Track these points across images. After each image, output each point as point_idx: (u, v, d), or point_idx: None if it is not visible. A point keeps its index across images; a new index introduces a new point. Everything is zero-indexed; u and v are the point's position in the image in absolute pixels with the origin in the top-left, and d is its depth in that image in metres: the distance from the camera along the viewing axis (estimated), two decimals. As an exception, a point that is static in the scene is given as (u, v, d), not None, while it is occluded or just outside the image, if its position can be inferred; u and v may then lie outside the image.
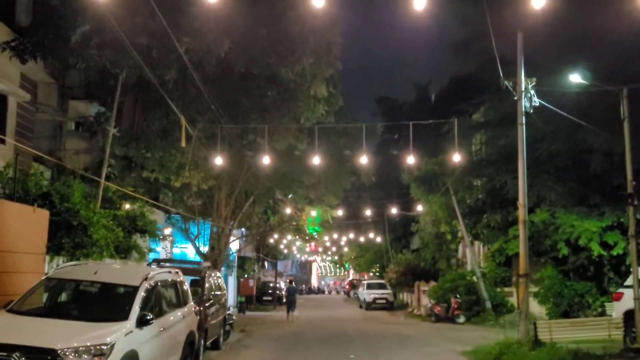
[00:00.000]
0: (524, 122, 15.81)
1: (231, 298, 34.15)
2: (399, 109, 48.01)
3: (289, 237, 45.67)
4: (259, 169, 21.97)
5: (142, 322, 8.79)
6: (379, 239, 50.27)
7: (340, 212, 36.19)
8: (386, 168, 41.23)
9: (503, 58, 16.03)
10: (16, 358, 7.51)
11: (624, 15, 15.20)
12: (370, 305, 40.54)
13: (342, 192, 29.38)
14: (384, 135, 49.01)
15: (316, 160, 19.71)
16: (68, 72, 19.80)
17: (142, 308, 9.05)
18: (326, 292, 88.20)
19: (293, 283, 34.88)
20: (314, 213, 34.71)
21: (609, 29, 17.68)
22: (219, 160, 18.74)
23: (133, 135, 19.75)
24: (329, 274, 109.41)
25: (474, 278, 28.36)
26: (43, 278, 10.04)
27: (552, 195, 22.03)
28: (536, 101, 15.66)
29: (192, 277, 15.33)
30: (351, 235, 53.01)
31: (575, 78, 16.93)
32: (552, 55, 20.61)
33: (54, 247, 12.81)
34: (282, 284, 48.94)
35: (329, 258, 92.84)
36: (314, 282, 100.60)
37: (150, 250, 19.63)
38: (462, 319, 26.86)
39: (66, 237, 12.98)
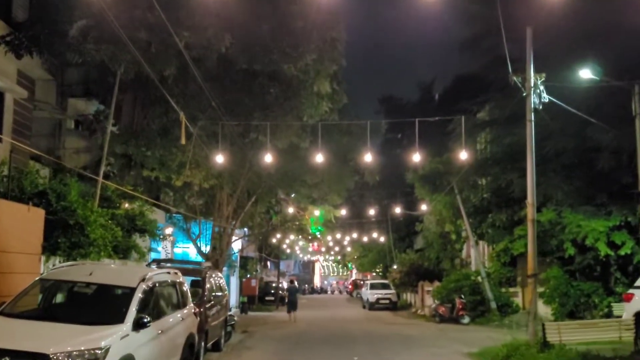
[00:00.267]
0: (532, 118, 15.48)
1: (233, 298, 33.97)
2: (403, 108, 47.91)
3: (292, 236, 45.55)
4: (261, 167, 21.77)
5: (139, 325, 8.50)
6: (382, 239, 50.07)
7: (343, 212, 36.00)
8: (390, 167, 40.97)
9: (510, 55, 15.74)
10: (6, 363, 7.23)
11: (637, 8, 14.89)
12: (373, 306, 40.36)
13: (345, 192, 29.07)
14: (387, 135, 48.64)
15: (319, 158, 19.46)
16: (67, 69, 19.51)
17: (139, 310, 8.75)
18: (329, 292, 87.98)
19: (295, 283, 34.62)
20: (316, 212, 34.44)
21: (621, 22, 17.34)
22: (220, 159, 18.53)
23: (132, 133, 19.44)
24: (331, 274, 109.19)
25: (479, 278, 28.21)
26: (36, 279, 9.72)
27: (558, 194, 21.71)
28: (545, 97, 15.33)
29: (193, 278, 15.15)
30: (354, 235, 52.92)
31: (586, 73, 16.61)
32: (562, 51, 20.23)
33: (50, 247, 12.56)
34: (285, 284, 48.70)
35: (332, 258, 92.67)
36: (317, 282, 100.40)
37: (151, 250, 19.40)
38: (466, 320, 26.60)
39: (62, 236, 12.73)
